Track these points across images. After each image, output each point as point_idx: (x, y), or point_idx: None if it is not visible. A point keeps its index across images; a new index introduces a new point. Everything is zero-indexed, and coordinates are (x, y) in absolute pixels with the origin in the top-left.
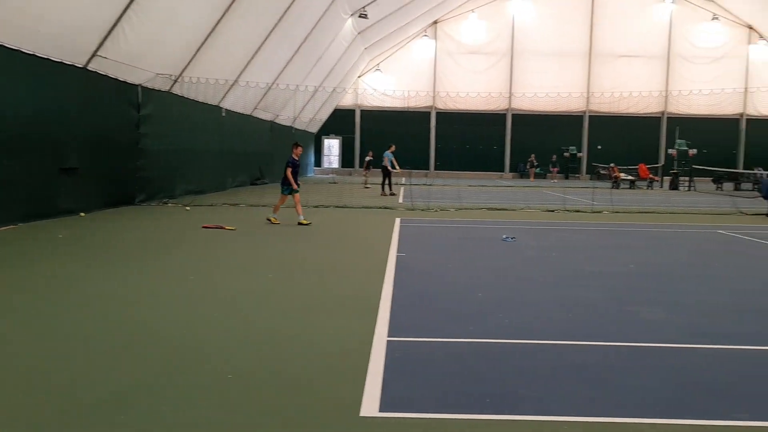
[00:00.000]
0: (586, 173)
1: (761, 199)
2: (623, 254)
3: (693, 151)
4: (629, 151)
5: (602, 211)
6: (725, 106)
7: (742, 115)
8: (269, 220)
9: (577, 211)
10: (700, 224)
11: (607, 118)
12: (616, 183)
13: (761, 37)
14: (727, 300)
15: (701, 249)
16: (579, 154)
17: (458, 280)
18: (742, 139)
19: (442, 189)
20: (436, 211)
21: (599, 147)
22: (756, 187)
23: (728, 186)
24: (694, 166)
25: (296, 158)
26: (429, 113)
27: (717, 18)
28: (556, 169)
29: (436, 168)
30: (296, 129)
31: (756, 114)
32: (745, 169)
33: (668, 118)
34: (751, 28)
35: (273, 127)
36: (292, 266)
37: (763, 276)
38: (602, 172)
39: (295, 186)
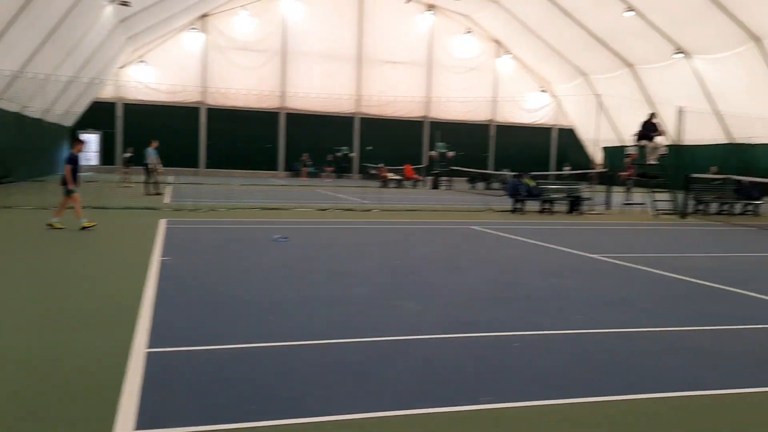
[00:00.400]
0: (358, 173)
1: (507, 197)
2: (389, 250)
3: (451, 154)
4: (396, 152)
5: (372, 210)
6: (478, 113)
7: (491, 121)
8: (50, 225)
9: (349, 210)
10: (457, 220)
11: (377, 121)
12: (385, 183)
13: (507, 51)
14: (480, 290)
15: (456, 243)
16: (351, 155)
17: (227, 283)
18: (492, 143)
19: (213, 188)
20: (206, 211)
21: (369, 148)
22: (503, 186)
23: (481, 185)
24: (452, 167)
25: (76, 154)
26: (199, 109)
27: (471, 32)
28: (330, 169)
29: (207, 166)
30: (48, 122)
31: (503, 121)
32: (494, 170)
33: (430, 122)
34: (498, 42)
35: (19, 119)
36: (41, 276)
37: (507, 266)
38: (372, 172)
39: (71, 185)
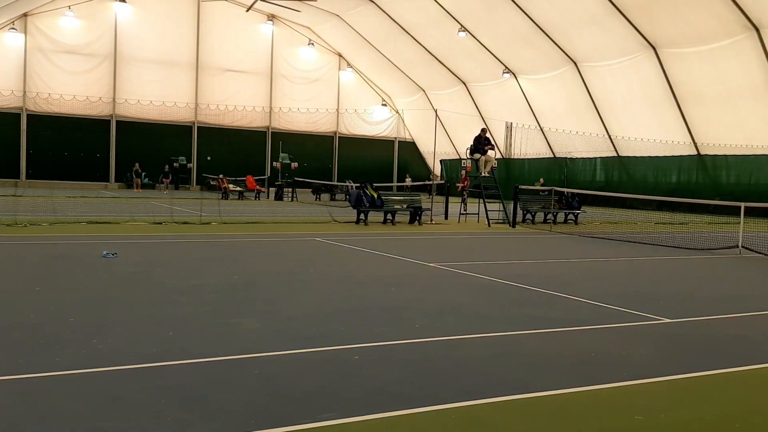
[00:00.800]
0: (197, 184)
1: (351, 207)
2: (228, 265)
3: (295, 165)
4: (238, 162)
5: (210, 222)
6: (321, 125)
7: (335, 132)
8: None
9: (186, 223)
10: (300, 232)
11: (216, 130)
12: (226, 194)
13: (349, 65)
14: (321, 303)
15: (299, 256)
16: (189, 165)
17: (47, 305)
18: (336, 155)
19: (35, 201)
20: (26, 226)
21: (209, 158)
22: (347, 197)
23: (325, 196)
24: (296, 178)
25: None
26: (19, 115)
27: (313, 44)
28: (167, 180)
29: (29, 177)
30: None
31: (346, 132)
32: (338, 181)
33: (273, 132)
34: (341, 56)
35: None
36: None
37: (349, 278)
38: (212, 183)
39: None
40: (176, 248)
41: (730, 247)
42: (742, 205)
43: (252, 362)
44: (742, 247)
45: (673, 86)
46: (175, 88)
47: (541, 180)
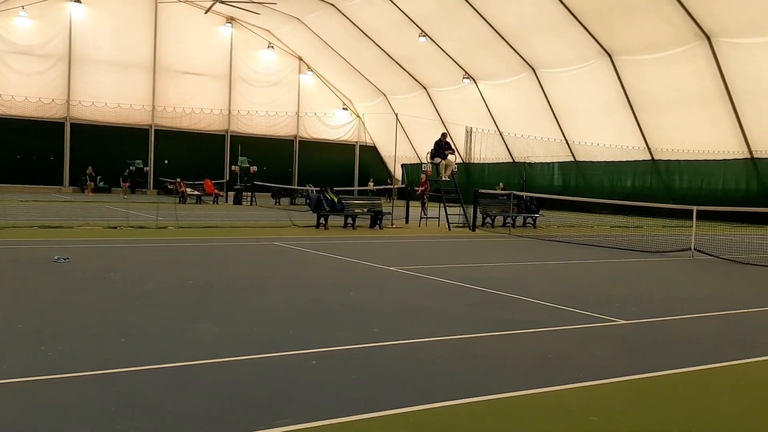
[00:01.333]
0: (154, 188)
1: (312, 212)
2: (184, 270)
3: (254, 168)
4: (196, 166)
5: (167, 227)
6: (281, 128)
7: (295, 136)
8: None
9: (142, 228)
10: (259, 237)
11: (174, 133)
12: (183, 198)
13: (309, 68)
14: (280, 308)
15: (257, 260)
16: (146, 168)
17: None
18: (296, 158)
19: None
20: None
21: (166, 162)
22: (307, 201)
23: (285, 201)
24: (255, 182)
25: None
26: None
27: (272, 47)
28: (126, 184)
29: None
30: None
31: (306, 136)
32: (299, 185)
33: (231, 136)
34: (301, 59)
35: None
36: None
37: (309, 282)
38: (170, 186)
39: None
40: (131, 253)
41: (683, 250)
42: (694, 208)
43: (208, 368)
44: (695, 249)
45: (628, 92)
46: (131, 90)
47: (501, 185)
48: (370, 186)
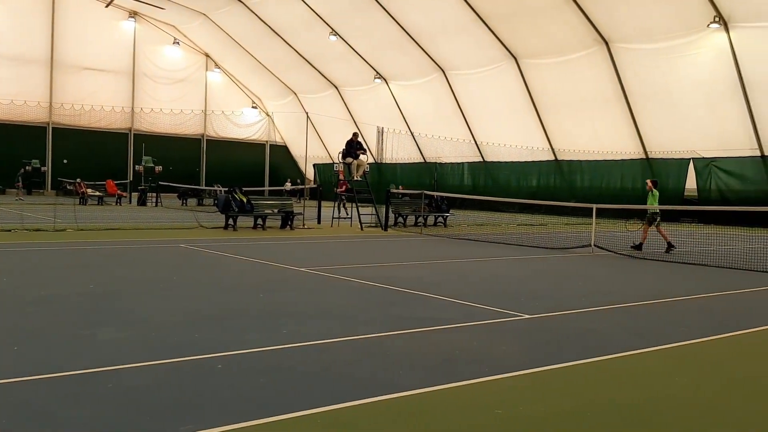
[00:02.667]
0: (52, 189)
1: (220, 212)
2: (84, 274)
3: (159, 168)
4: (97, 166)
5: (66, 229)
6: (188, 127)
7: (203, 135)
8: None
9: (38, 230)
10: (164, 239)
11: (73, 132)
12: (84, 199)
13: (217, 65)
14: (185, 311)
15: (163, 263)
16: (43, 168)
17: None
18: (204, 158)
19: None
20: None
21: (65, 161)
22: (215, 202)
23: (192, 201)
24: (160, 183)
25: None
26: None
27: (178, 43)
28: (19, 184)
29: None
30: None
31: (214, 135)
32: (206, 185)
33: (135, 134)
34: (208, 56)
35: None
36: None
37: (217, 284)
38: (69, 187)
39: None
40: (26, 257)
41: (584, 246)
42: (594, 206)
43: (108, 375)
44: (594, 245)
45: (532, 95)
46: (27, 86)
47: (401, 186)
48: (287, 186)
